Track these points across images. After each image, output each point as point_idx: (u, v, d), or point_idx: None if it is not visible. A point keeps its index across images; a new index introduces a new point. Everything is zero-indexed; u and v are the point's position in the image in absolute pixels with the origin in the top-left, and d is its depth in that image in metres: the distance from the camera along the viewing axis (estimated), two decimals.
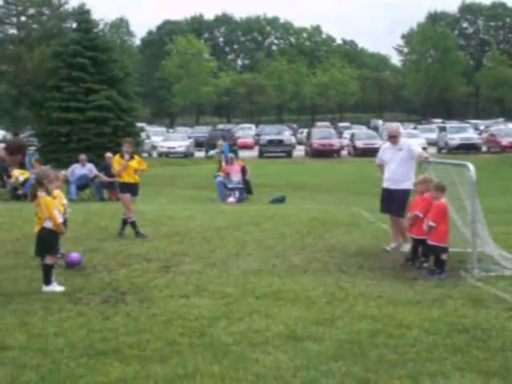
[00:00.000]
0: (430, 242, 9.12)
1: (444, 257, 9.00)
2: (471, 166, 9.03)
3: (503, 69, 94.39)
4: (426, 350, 5.81)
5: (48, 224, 8.29)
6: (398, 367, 5.39)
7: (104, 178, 20.54)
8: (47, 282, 8.19)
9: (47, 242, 8.32)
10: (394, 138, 11.15)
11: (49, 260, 8.31)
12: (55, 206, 8.41)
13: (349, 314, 6.97)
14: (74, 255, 9.76)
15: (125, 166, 12.56)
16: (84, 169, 21.27)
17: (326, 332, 6.34)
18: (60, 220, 8.36)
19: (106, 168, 20.25)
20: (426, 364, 5.46)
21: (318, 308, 7.22)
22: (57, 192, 9.05)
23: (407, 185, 10.53)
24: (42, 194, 8.35)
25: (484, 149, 45.40)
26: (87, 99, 32.19)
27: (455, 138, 44.17)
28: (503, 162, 36.90)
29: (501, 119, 75.62)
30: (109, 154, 20.83)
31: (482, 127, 60.35)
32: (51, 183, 8.49)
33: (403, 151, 10.86)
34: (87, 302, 7.57)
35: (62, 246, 11.00)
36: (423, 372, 5.28)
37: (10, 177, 21.14)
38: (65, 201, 9.64)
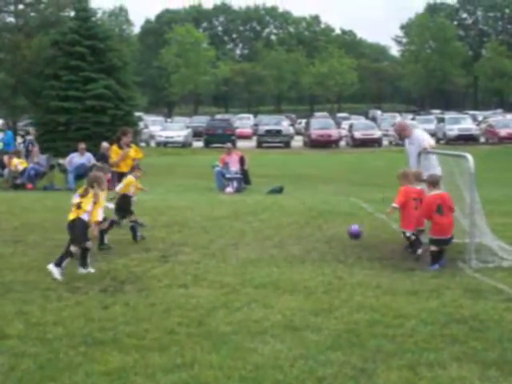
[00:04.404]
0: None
1: (433, 248, 9.01)
2: (470, 157, 9.02)
3: (502, 60, 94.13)
4: (424, 340, 5.83)
5: (85, 216, 8.46)
6: (396, 357, 5.41)
7: None
8: (83, 264, 8.56)
9: (81, 232, 8.48)
10: (399, 135, 11.61)
11: (73, 248, 8.42)
12: (102, 205, 8.71)
13: (347, 303, 6.98)
14: (355, 227, 10.06)
15: (123, 156, 12.55)
16: (82, 158, 21.20)
17: (324, 322, 6.36)
18: (100, 219, 8.64)
19: (103, 157, 20.19)
20: (424, 354, 5.47)
21: (316, 298, 7.24)
22: None
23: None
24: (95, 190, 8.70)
25: (482, 140, 45.42)
26: (85, 88, 32.08)
27: (453, 129, 44.19)
28: (501, 153, 36.91)
29: (499, 110, 75.57)
30: (105, 144, 20.76)
31: (480, 118, 60.32)
32: (101, 185, 8.80)
33: (415, 145, 11.00)
34: (86, 291, 7.58)
35: (60, 234, 11.03)
36: (421, 362, 5.30)
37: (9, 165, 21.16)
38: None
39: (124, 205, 10.78)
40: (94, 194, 8.64)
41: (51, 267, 8.23)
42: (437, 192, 9.13)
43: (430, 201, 9.10)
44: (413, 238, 9.58)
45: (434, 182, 9.22)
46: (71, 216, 8.54)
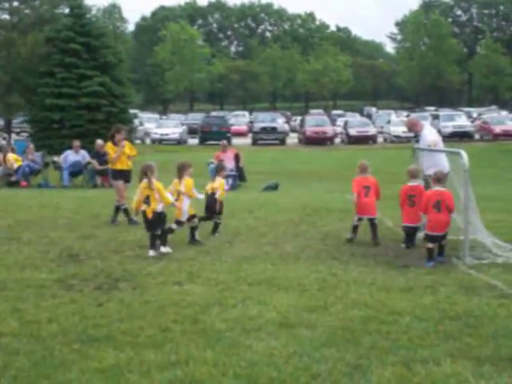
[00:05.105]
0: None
1: (429, 245, 9.04)
2: (464, 154, 9.03)
3: (496, 57, 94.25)
4: (418, 336, 5.84)
5: (159, 208, 9.52)
6: (391, 354, 5.42)
7: (96, 165, 20.32)
8: (163, 243, 9.59)
9: (158, 223, 9.54)
10: (410, 130, 12.16)
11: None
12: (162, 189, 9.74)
13: (341, 300, 6.99)
14: None
15: (120, 154, 12.54)
16: (77, 155, 21.11)
17: (318, 319, 6.36)
18: (172, 200, 9.83)
19: (97, 155, 20.12)
20: (418, 350, 5.48)
21: (311, 295, 7.24)
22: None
23: (426, 172, 10.60)
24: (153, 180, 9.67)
25: (477, 137, 45.45)
26: (80, 85, 32.05)
27: (448, 126, 44.18)
28: (496, 150, 36.94)
29: (494, 107, 75.63)
30: (99, 141, 20.61)
31: (474, 115, 60.35)
32: (153, 172, 9.84)
33: (421, 142, 11.32)
34: (80, 289, 7.56)
35: (55, 232, 11.03)
36: (415, 358, 5.31)
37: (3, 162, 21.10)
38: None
39: (211, 205, 11.06)
40: (149, 181, 9.58)
41: (162, 249, 9.47)
42: (439, 189, 9.15)
43: (429, 195, 9.16)
44: (355, 223, 10.44)
45: (437, 179, 9.28)
46: (148, 212, 9.50)
